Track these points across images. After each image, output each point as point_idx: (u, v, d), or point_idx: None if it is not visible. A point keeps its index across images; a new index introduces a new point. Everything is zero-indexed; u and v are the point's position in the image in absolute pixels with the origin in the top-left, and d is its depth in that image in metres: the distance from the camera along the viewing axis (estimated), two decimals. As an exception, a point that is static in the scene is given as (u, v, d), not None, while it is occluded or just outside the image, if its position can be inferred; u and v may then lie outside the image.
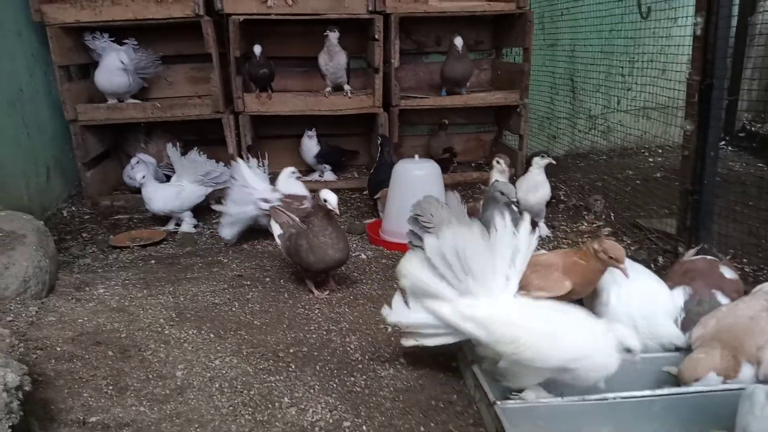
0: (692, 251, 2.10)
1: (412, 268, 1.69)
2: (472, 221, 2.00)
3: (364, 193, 3.75)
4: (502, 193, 2.16)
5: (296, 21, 3.65)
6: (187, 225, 3.22)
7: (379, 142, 3.44)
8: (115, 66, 3.48)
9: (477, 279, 1.62)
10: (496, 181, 2.41)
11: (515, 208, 2.20)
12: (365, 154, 4.34)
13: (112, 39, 3.56)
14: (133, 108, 3.54)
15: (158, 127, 3.87)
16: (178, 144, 3.90)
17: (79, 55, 3.56)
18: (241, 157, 3.65)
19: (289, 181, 2.99)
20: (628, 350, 1.52)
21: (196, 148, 3.29)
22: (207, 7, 3.39)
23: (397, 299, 1.76)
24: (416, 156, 2.99)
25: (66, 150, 3.71)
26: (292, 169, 3.06)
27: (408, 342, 1.76)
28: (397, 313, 1.74)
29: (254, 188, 2.87)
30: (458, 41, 3.62)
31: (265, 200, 2.82)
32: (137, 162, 3.56)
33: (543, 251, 2.01)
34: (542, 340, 1.51)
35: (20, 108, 3.17)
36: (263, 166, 3.10)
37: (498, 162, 2.86)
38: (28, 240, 2.16)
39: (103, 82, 3.52)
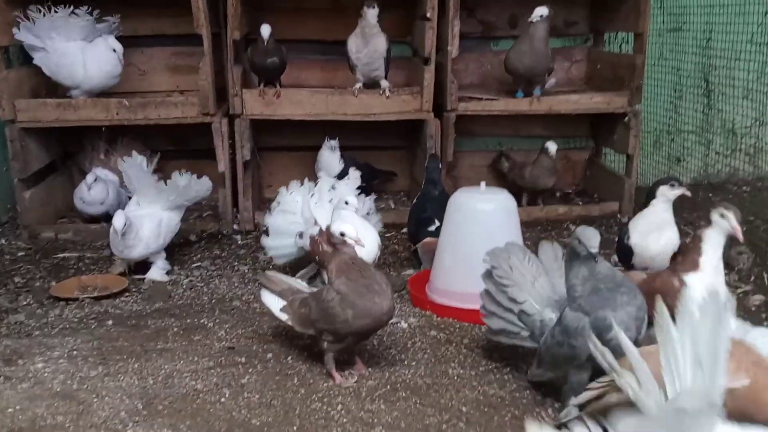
0: None
1: None
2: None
3: (404, 231, 3.72)
4: (580, 241, 2.05)
5: (317, -8, 3.70)
6: (158, 270, 3.21)
7: (426, 163, 3.39)
8: (110, 56, 3.58)
9: None
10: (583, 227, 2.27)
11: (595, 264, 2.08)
12: (405, 176, 4.33)
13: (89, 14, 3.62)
14: (92, 106, 3.61)
15: (124, 133, 3.93)
16: (147, 156, 3.97)
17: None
18: (235, 178, 3.73)
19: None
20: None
21: (184, 171, 3.31)
22: None
23: None
24: (482, 184, 2.94)
25: (-3, 161, 3.78)
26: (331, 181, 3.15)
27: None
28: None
29: (307, 215, 2.99)
30: (538, 10, 3.58)
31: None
32: (94, 180, 3.61)
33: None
34: None
35: (-59, 103, 3.26)
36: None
37: (723, 215, 2.27)
38: (-57, 291, 2.16)
39: (95, 78, 3.61)
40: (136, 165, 3.26)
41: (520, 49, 3.72)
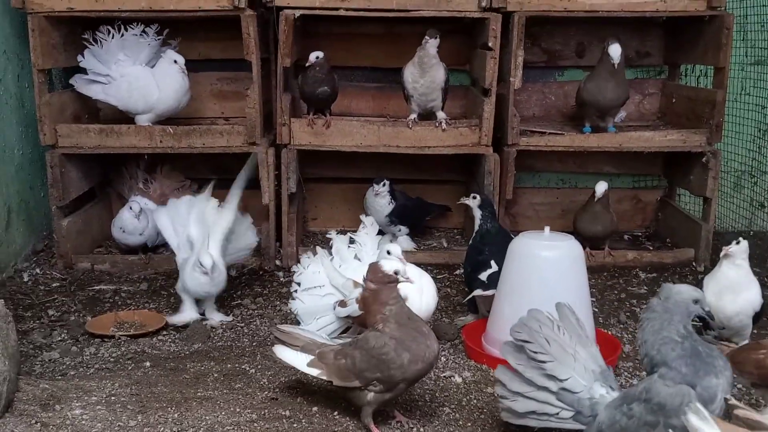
0: None
1: None
2: None
3: (457, 273, 3.71)
4: (696, 301, 1.99)
5: (373, 18, 3.75)
6: (218, 311, 3.25)
7: (478, 203, 3.30)
8: (179, 73, 3.69)
9: None
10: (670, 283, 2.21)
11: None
12: (459, 212, 4.34)
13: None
14: (135, 133, 3.69)
15: (164, 161, 4.02)
16: (187, 186, 4.06)
17: (66, 55, 3.78)
18: (279, 211, 3.77)
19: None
20: None
21: (248, 217, 3.40)
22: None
23: None
24: (546, 228, 2.92)
25: (36, 187, 3.89)
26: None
27: None
28: None
29: (341, 281, 2.86)
30: (616, 50, 3.59)
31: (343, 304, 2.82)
32: (140, 211, 3.70)
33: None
34: None
35: (-18, 126, 3.39)
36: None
37: None
38: (-17, 329, 2.22)
39: (169, 98, 3.72)
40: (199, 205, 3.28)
41: (598, 81, 3.71)
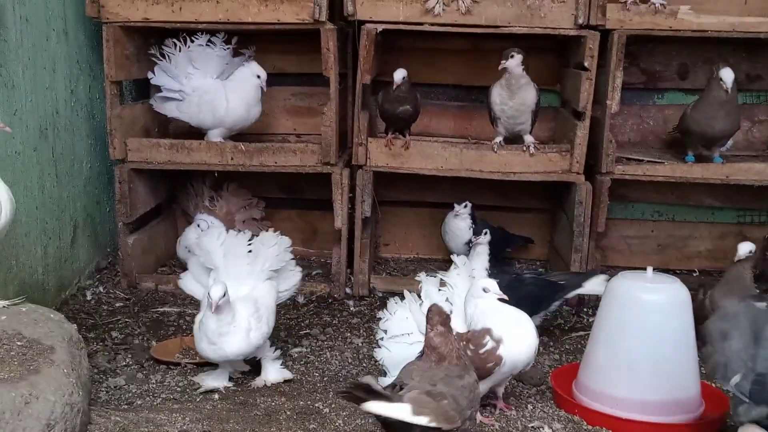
0: None
1: None
2: None
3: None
4: None
5: (458, 33, 3.74)
6: (274, 367, 2.98)
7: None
8: (252, 86, 3.76)
9: None
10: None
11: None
12: (543, 244, 4.33)
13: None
14: (206, 149, 3.76)
15: (232, 178, 4.09)
16: (255, 204, 4.10)
17: (139, 66, 3.88)
18: (351, 236, 3.77)
19: None
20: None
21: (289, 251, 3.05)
22: (330, 10, 3.58)
23: None
24: (649, 269, 2.85)
25: (103, 202, 4.00)
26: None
27: None
28: None
29: None
30: (728, 75, 3.51)
31: None
32: (208, 227, 3.73)
33: None
34: None
35: (53, 138, 3.49)
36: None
37: None
38: (57, 356, 2.26)
39: (237, 111, 3.79)
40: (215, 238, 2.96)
41: (706, 109, 3.62)
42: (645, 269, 2.84)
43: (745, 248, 3.25)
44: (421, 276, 2.93)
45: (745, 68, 4.12)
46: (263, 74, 3.77)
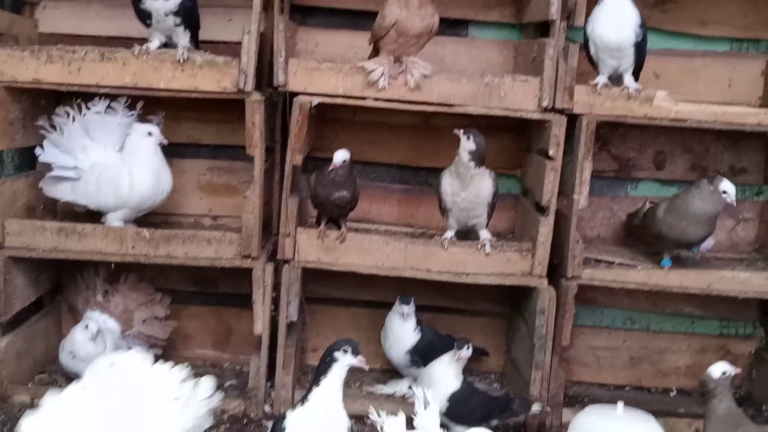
0: None
1: None
2: None
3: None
4: None
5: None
6: None
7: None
8: (150, 149, 3.54)
9: None
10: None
11: None
12: (498, 354, 4.15)
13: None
14: (102, 235, 3.51)
15: (132, 268, 3.80)
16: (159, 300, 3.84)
17: (25, 133, 3.63)
18: (274, 342, 3.50)
19: None
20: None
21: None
22: (257, 76, 3.41)
23: None
24: (619, 405, 2.71)
25: (-28, 297, 3.64)
26: None
27: None
28: None
29: None
30: (731, 189, 3.42)
31: None
32: (97, 332, 3.47)
33: None
34: None
35: None
36: None
37: None
38: None
39: (144, 186, 3.55)
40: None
41: (685, 215, 3.48)
42: (615, 401, 2.84)
43: (717, 371, 3.00)
44: (373, 413, 2.53)
45: (728, 160, 4.06)
46: (154, 129, 3.53)
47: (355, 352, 2.74)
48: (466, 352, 3.34)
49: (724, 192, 3.40)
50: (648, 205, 3.77)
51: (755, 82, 3.99)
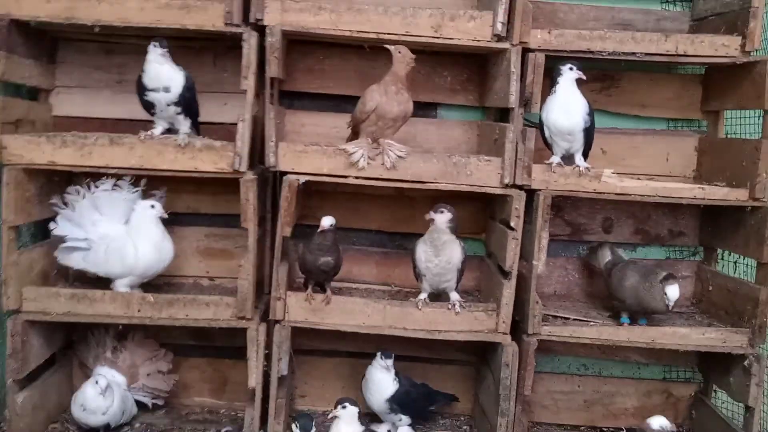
0: None
1: None
2: None
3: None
4: None
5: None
6: None
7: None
8: (152, 222, 3.81)
9: None
10: None
11: None
12: (467, 399, 4.43)
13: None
14: (111, 300, 3.76)
15: (139, 328, 4.09)
16: (162, 356, 4.08)
17: (41, 208, 3.88)
18: (266, 394, 3.78)
19: None
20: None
21: None
22: (250, 159, 3.71)
23: None
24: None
25: (-10, 357, 3.88)
26: None
27: None
28: None
29: None
30: (674, 292, 3.74)
31: None
32: (107, 386, 3.71)
33: None
34: None
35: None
36: None
37: None
38: None
39: (148, 256, 3.83)
40: None
41: (636, 295, 3.82)
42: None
43: (656, 424, 3.51)
44: None
45: (667, 225, 4.42)
46: (156, 203, 3.83)
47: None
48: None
49: (665, 295, 3.72)
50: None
51: (689, 156, 4.38)
